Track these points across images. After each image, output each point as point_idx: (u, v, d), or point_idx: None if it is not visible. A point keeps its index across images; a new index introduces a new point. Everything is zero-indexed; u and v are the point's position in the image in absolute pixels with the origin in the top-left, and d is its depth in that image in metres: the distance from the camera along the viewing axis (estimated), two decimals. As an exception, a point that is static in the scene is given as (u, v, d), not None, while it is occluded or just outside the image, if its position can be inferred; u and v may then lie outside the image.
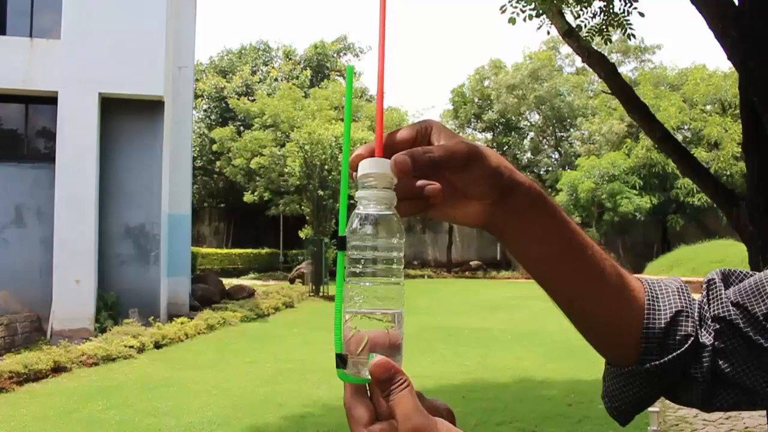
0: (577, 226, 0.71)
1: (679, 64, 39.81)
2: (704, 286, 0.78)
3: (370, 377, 0.55)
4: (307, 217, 21.70)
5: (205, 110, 31.53)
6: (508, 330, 12.73)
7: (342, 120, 23.74)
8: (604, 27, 6.82)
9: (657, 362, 0.73)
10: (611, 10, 6.76)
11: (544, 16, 6.53)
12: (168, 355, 10.13)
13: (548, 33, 7.26)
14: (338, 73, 32.97)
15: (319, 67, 32.92)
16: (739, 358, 0.73)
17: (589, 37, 6.80)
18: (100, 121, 11.72)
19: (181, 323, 11.83)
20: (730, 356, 0.73)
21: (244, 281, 21.17)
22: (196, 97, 26.21)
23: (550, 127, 33.82)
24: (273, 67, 33.29)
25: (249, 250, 28.50)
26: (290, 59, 33.61)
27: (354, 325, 0.57)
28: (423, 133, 0.64)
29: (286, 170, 23.19)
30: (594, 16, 6.83)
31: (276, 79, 31.70)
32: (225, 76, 32.73)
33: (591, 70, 7.71)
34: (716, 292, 0.77)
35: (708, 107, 28.26)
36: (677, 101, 27.28)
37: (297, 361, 9.71)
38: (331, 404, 7.06)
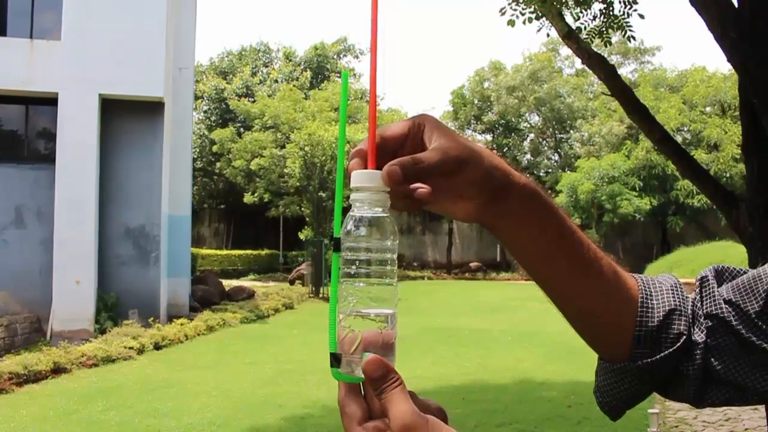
0: (574, 224, 0.72)
1: (679, 66, 39.91)
2: (697, 283, 0.79)
3: (362, 376, 0.56)
4: (307, 219, 21.70)
5: (205, 111, 31.54)
6: (507, 331, 12.72)
7: (342, 121, 23.77)
8: (604, 29, 6.83)
9: (649, 359, 0.73)
10: (611, 12, 6.77)
11: (544, 18, 6.54)
12: (168, 357, 10.13)
13: (548, 35, 7.27)
14: (338, 75, 32.97)
15: (319, 68, 32.93)
16: (731, 355, 0.73)
17: (589, 39, 6.81)
18: (100, 122, 11.73)
19: (181, 324, 11.83)
20: (722, 353, 0.74)
21: (244, 282, 21.17)
22: (196, 98, 26.21)
23: (550, 129, 33.82)
24: (273, 69, 33.31)
25: (249, 252, 28.49)
26: (290, 61, 33.63)
27: (348, 324, 0.57)
28: (415, 130, 0.64)
29: (286, 171, 23.20)
30: (594, 18, 6.84)
31: (276, 81, 31.71)
32: (225, 77, 32.75)
33: (591, 71, 7.72)
34: (709, 289, 0.77)
35: (708, 109, 28.27)
36: (677, 103, 27.29)
37: (297, 362, 9.71)
38: (330, 405, 7.05)
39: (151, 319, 11.52)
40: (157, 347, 10.54)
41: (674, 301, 0.75)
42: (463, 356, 10.15)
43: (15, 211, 11.65)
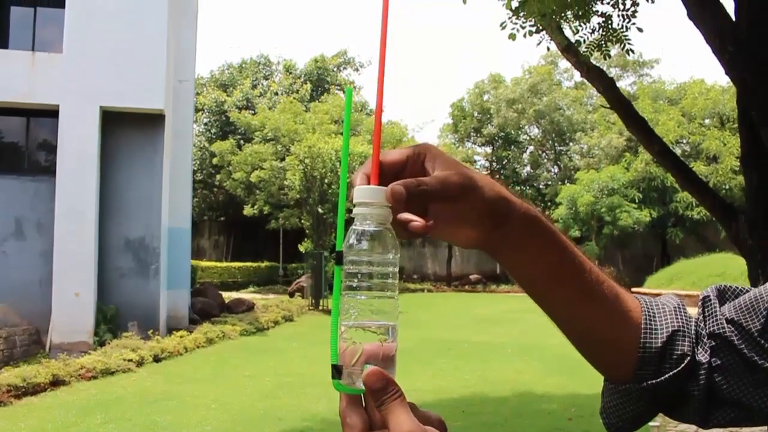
0: (575, 247, 0.72)
1: (678, 79, 40.03)
2: (700, 303, 0.79)
3: (362, 388, 0.56)
4: (307, 231, 21.71)
5: (205, 124, 31.63)
6: (507, 344, 12.69)
7: (342, 134, 23.80)
8: (602, 42, 6.87)
9: (653, 381, 0.73)
10: (610, 26, 6.82)
11: (544, 32, 6.58)
12: (167, 369, 10.10)
13: (548, 48, 7.32)
14: (338, 87, 33.11)
15: (320, 81, 33.05)
16: (734, 374, 0.73)
17: (588, 52, 6.85)
18: (101, 134, 11.76)
19: (181, 337, 11.80)
20: (726, 373, 0.74)
21: (244, 295, 21.13)
22: (197, 110, 26.29)
23: (550, 141, 33.91)
24: (273, 81, 33.42)
25: (248, 264, 28.47)
26: (290, 73, 33.75)
27: (349, 337, 0.58)
28: (415, 158, 0.65)
29: (285, 184, 23.22)
30: (593, 31, 6.88)
31: (276, 93, 31.82)
32: (225, 89, 32.86)
33: (590, 84, 7.76)
34: (711, 309, 0.77)
35: (707, 121, 28.36)
36: (676, 115, 27.39)
37: (296, 375, 9.68)
38: (330, 419, 7.03)
39: (151, 331, 11.49)
40: (157, 360, 10.51)
41: (677, 322, 0.75)
42: (462, 369, 10.12)
43: (15, 223, 11.65)
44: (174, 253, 13.38)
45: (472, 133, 34.72)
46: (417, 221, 0.61)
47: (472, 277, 31.06)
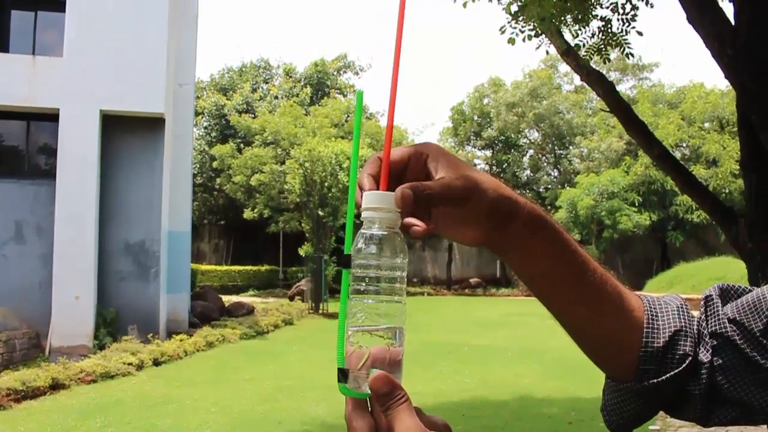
0: (579, 246, 0.73)
1: (677, 82, 40.08)
2: (702, 302, 0.79)
3: (368, 392, 0.57)
4: (307, 235, 21.68)
5: (205, 127, 31.64)
6: (507, 347, 12.69)
7: (342, 137, 23.82)
8: (602, 46, 6.88)
9: (655, 380, 0.74)
10: (609, 30, 6.83)
11: (543, 36, 6.60)
12: (167, 373, 10.09)
13: (547, 52, 7.33)
14: (338, 91, 33.11)
15: (320, 84, 33.07)
16: (736, 374, 0.74)
17: (587, 56, 6.86)
18: (101, 137, 11.77)
19: (180, 340, 11.79)
20: (728, 372, 0.74)
21: (244, 298, 21.11)
22: (197, 114, 26.29)
23: (550, 145, 33.93)
24: (273, 85, 33.44)
25: (248, 267, 28.45)
26: (290, 77, 33.77)
27: (356, 340, 0.58)
28: (417, 158, 0.65)
29: (285, 187, 23.23)
30: (592, 35, 6.90)
31: (276, 97, 31.83)
32: (225, 93, 32.87)
33: (590, 88, 7.77)
34: (714, 308, 0.78)
35: (706, 125, 28.39)
36: (675, 119, 27.42)
37: (296, 378, 9.67)
38: (330, 422, 7.02)
39: (151, 334, 11.48)
40: (156, 363, 10.50)
41: (680, 322, 0.76)
42: (463, 372, 10.11)
43: (15, 227, 11.66)
44: (174, 256, 13.38)
45: (472, 137, 34.73)
46: (419, 226, 0.62)
47: (472, 280, 31.04)
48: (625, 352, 0.75)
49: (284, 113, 26.64)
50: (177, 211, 13.89)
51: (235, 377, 9.78)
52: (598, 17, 6.80)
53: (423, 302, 24.16)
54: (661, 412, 0.79)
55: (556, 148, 33.91)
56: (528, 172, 34.81)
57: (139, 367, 10.03)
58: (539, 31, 6.38)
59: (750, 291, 0.78)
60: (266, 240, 29.62)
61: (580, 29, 6.76)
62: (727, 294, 0.80)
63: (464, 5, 6.66)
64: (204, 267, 26.58)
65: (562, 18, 6.40)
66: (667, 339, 0.74)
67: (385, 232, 0.60)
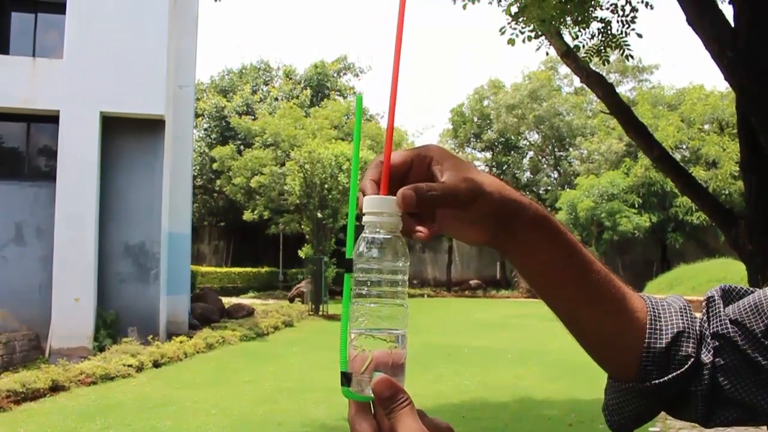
0: (582, 246, 0.73)
1: (677, 84, 40.08)
2: (704, 303, 0.80)
3: (371, 395, 0.57)
4: (307, 236, 21.69)
5: (205, 129, 31.65)
6: (507, 349, 12.68)
7: (342, 139, 23.82)
8: (602, 47, 6.89)
9: (657, 381, 0.74)
10: (609, 31, 6.84)
11: (543, 37, 6.60)
12: (167, 374, 10.09)
13: (547, 53, 7.33)
14: (338, 93, 33.13)
15: (319, 86, 33.09)
16: (738, 375, 0.74)
17: (587, 58, 6.87)
18: (101, 139, 11.77)
19: (180, 342, 11.78)
20: (730, 373, 0.74)
21: (244, 300, 21.11)
22: (197, 116, 26.30)
23: (549, 147, 33.94)
24: (273, 87, 33.46)
25: (248, 269, 28.44)
26: (290, 79, 33.79)
27: (359, 344, 0.59)
28: (420, 161, 0.65)
29: (285, 189, 23.24)
30: (592, 36, 6.91)
31: (276, 99, 31.85)
32: (225, 95, 32.89)
33: (590, 90, 7.78)
34: (715, 309, 0.78)
35: (706, 126, 28.39)
36: (675, 121, 27.41)
37: (296, 380, 9.67)
38: (330, 424, 7.02)
39: (150, 336, 11.48)
40: (156, 365, 10.49)
41: (682, 323, 0.76)
42: (462, 374, 10.10)
43: (15, 228, 11.66)
44: (174, 258, 13.38)
45: (471, 139, 34.75)
46: (422, 232, 0.62)
47: (472, 282, 31.04)
48: (627, 352, 0.76)
49: (284, 115, 26.66)
50: (177, 212, 13.89)
51: (234, 379, 9.78)
52: (598, 19, 6.81)
53: (423, 304, 24.15)
54: (662, 414, 0.79)
55: (556, 149, 33.93)
56: (528, 173, 34.82)
57: (139, 368, 10.03)
58: (539, 33, 6.39)
59: (752, 292, 0.78)
60: (266, 242, 29.61)
61: (580, 31, 6.77)
62: (729, 295, 0.80)
63: (464, 7, 6.67)
64: (204, 269, 26.58)
65: (562, 20, 6.41)
66: (669, 340, 0.75)
67: (387, 236, 0.60)
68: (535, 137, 34.73)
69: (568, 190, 29.67)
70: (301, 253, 21.60)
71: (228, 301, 18.53)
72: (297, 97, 31.32)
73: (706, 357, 0.75)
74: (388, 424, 0.56)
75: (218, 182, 29.38)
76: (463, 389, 9.01)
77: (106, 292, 11.79)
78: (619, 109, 6.44)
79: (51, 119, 11.64)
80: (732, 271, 18.77)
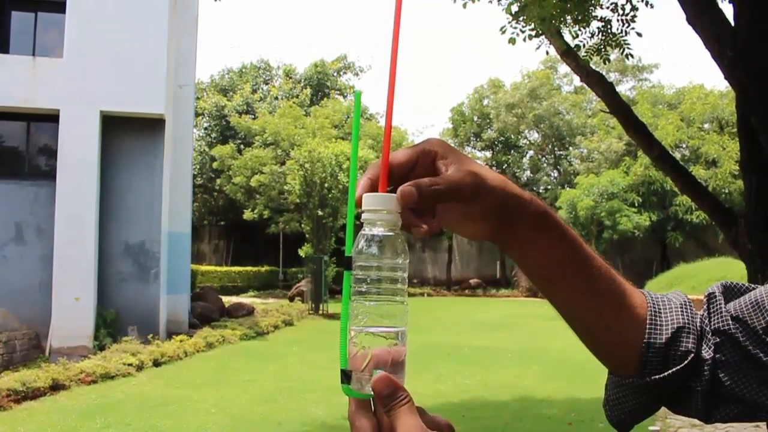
0: (584, 243, 0.73)
1: (677, 83, 40.08)
2: (705, 299, 0.80)
3: (371, 393, 0.57)
4: (307, 235, 21.69)
5: (205, 128, 31.65)
6: (507, 348, 12.69)
7: (342, 138, 23.81)
8: (602, 46, 6.89)
9: (657, 376, 0.74)
10: (609, 30, 6.83)
11: (543, 36, 6.60)
12: (167, 373, 10.10)
13: (547, 52, 7.33)
14: (338, 92, 33.13)
15: (319, 85, 33.09)
16: (738, 371, 0.74)
17: (587, 57, 6.86)
18: (101, 139, 11.77)
19: (180, 341, 11.79)
20: (730, 369, 0.74)
21: (244, 299, 21.12)
22: (197, 115, 26.31)
23: (549, 146, 33.94)
24: (273, 86, 33.46)
25: (248, 268, 28.46)
26: (290, 78, 33.79)
27: (359, 342, 0.59)
28: (424, 157, 0.65)
29: (285, 188, 23.24)
30: (592, 35, 6.90)
31: (276, 98, 31.85)
32: (225, 94, 32.89)
33: (589, 89, 7.77)
34: (716, 305, 0.78)
35: (706, 125, 28.38)
36: (675, 120, 27.40)
37: (296, 379, 9.67)
38: (330, 423, 7.03)
39: (151, 335, 11.48)
40: (156, 364, 10.50)
41: (683, 318, 0.76)
42: (462, 373, 10.11)
43: (15, 228, 11.66)
44: (174, 257, 13.38)
45: (471, 138, 34.75)
46: (422, 227, 0.62)
47: (472, 281, 31.04)
48: (627, 347, 0.76)
49: (284, 114, 26.65)
50: (177, 211, 13.89)
51: (235, 378, 9.79)
52: (598, 18, 6.81)
53: (423, 303, 24.16)
54: (662, 413, 0.79)
55: (555, 148, 33.93)
56: (528, 172, 34.82)
57: (139, 367, 10.03)
58: (539, 32, 6.38)
59: (753, 289, 0.79)
60: (266, 241, 29.62)
61: (580, 30, 6.77)
62: (731, 292, 0.80)
63: (464, 6, 6.67)
64: (204, 268, 26.59)
65: (562, 18, 6.41)
66: (669, 335, 0.75)
67: (386, 233, 0.60)
68: (535, 136, 34.73)
69: (567, 189, 29.66)
70: (301, 252, 21.59)
71: (228, 300, 18.54)
72: (297, 96, 31.33)
73: (707, 353, 0.75)
74: (388, 421, 0.57)
75: (218, 181, 29.38)
76: (463, 388, 9.01)
77: (106, 291, 11.79)
78: (619, 108, 6.44)
79: (51, 118, 11.64)
80: (732, 270, 18.76)
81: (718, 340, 0.76)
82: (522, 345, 13.08)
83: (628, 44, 6.79)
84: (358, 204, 0.61)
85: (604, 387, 0.82)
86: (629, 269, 27.97)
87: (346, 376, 0.58)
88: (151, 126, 12.29)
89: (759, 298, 0.75)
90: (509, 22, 6.39)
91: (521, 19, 6.26)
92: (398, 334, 0.59)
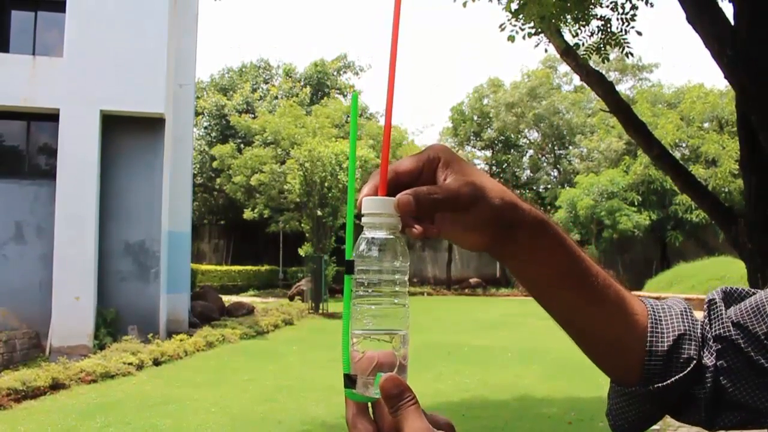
0: (582, 252, 0.73)
1: (676, 82, 40.08)
2: (705, 306, 0.80)
3: (376, 396, 0.58)
4: (307, 235, 21.69)
5: (205, 127, 31.65)
6: (507, 348, 12.69)
7: (343, 137, 23.80)
8: (601, 45, 6.89)
9: (659, 385, 0.74)
10: (609, 29, 6.83)
11: (543, 34, 6.60)
12: (167, 373, 10.10)
13: (546, 51, 7.33)
14: (338, 91, 33.12)
15: (319, 85, 33.09)
16: (741, 377, 0.74)
17: (587, 56, 6.86)
18: (101, 138, 11.77)
19: (180, 340, 11.79)
20: (732, 376, 0.74)
21: (244, 298, 21.11)
22: (197, 114, 26.30)
23: (549, 145, 33.94)
24: (273, 85, 33.45)
25: (248, 267, 28.46)
26: (290, 77, 33.79)
27: (361, 345, 0.59)
28: (429, 165, 0.65)
29: (285, 187, 23.24)
30: (592, 34, 6.90)
31: (276, 97, 31.85)
32: (225, 93, 32.88)
33: (589, 88, 7.77)
34: (717, 311, 0.78)
35: (705, 125, 28.38)
36: (674, 119, 27.41)
37: (296, 378, 9.68)
38: (330, 422, 7.03)
39: (151, 334, 11.48)
40: (157, 363, 10.50)
41: (684, 325, 0.76)
42: (462, 373, 10.11)
43: (15, 227, 11.66)
44: (174, 256, 13.38)
45: (471, 137, 34.75)
46: (416, 228, 0.62)
47: (472, 280, 31.05)
48: (628, 356, 0.75)
49: (284, 113, 26.65)
50: (177, 211, 13.89)
51: (235, 377, 9.79)
52: (598, 16, 6.81)
53: (423, 302, 24.16)
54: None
55: (555, 148, 33.92)
56: (528, 172, 34.83)
57: (139, 367, 10.04)
58: (539, 30, 6.38)
59: (753, 294, 0.78)
60: (266, 240, 29.62)
61: (579, 28, 6.76)
62: (731, 297, 0.80)
63: (464, 5, 6.67)
64: (204, 267, 26.59)
65: (562, 17, 6.41)
66: (671, 343, 0.74)
67: (386, 236, 0.60)
68: (534, 135, 34.73)
69: (567, 188, 29.66)
70: (301, 252, 21.60)
71: (228, 299, 18.54)
72: (297, 95, 31.32)
73: (709, 360, 0.75)
74: (390, 423, 0.57)
75: (218, 181, 29.38)
76: (463, 388, 9.01)
77: (107, 290, 11.79)
78: (619, 107, 6.44)
79: (51, 118, 11.64)
80: (732, 269, 18.77)
81: (719, 346, 0.76)
82: (522, 344, 13.08)
83: (628, 43, 6.79)
84: (359, 208, 0.62)
85: (606, 392, 0.82)
86: (629, 268, 28.00)
87: (350, 380, 0.58)
88: (151, 125, 12.29)
89: (759, 303, 0.75)
90: (509, 20, 6.38)
91: (521, 17, 6.25)
92: (400, 337, 0.59)
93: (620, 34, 6.79)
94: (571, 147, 33.05)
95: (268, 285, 27.77)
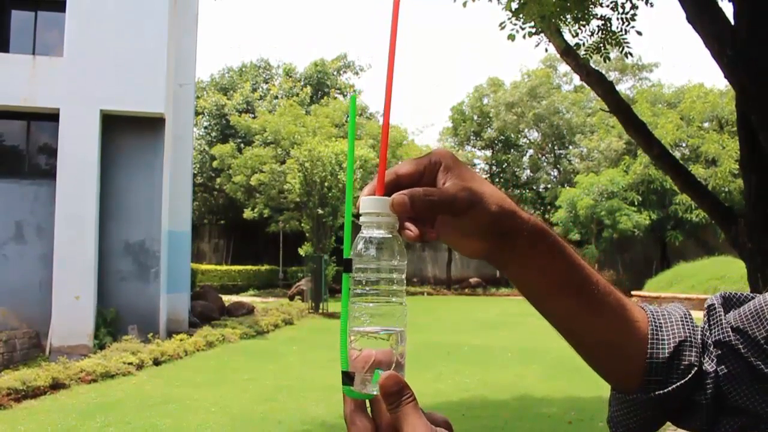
0: (582, 259, 0.73)
1: (676, 82, 40.08)
2: (705, 311, 0.80)
3: (374, 393, 0.58)
4: (307, 234, 21.70)
5: (205, 127, 31.65)
6: (507, 347, 12.69)
7: (343, 137, 23.80)
8: (601, 45, 6.88)
9: (661, 391, 0.74)
10: (609, 29, 6.83)
11: (543, 34, 6.59)
12: (167, 372, 10.10)
13: (546, 50, 7.32)
14: (338, 91, 33.13)
15: (319, 84, 33.09)
16: (741, 383, 0.74)
17: (587, 56, 6.86)
18: (101, 137, 11.77)
19: (180, 340, 11.79)
20: (733, 381, 0.74)
21: (244, 298, 21.12)
22: (197, 114, 26.31)
23: (549, 145, 33.94)
24: (273, 85, 33.45)
25: (248, 267, 28.47)
26: (290, 77, 33.79)
27: (359, 343, 0.59)
28: (431, 169, 0.65)
29: (285, 187, 23.24)
30: (592, 34, 6.90)
31: (276, 97, 31.85)
32: (226, 93, 32.89)
33: (589, 88, 7.77)
34: (716, 317, 0.78)
35: (705, 124, 28.38)
36: (674, 118, 27.41)
37: (296, 378, 9.68)
38: (330, 422, 7.03)
39: (151, 334, 11.48)
40: (157, 363, 10.50)
41: (684, 332, 0.76)
42: (462, 372, 10.11)
43: (15, 227, 11.66)
44: (174, 256, 13.38)
45: (471, 137, 34.76)
46: (413, 230, 0.62)
47: (472, 280, 31.06)
48: (629, 363, 0.75)
49: (284, 113, 26.66)
50: (177, 210, 13.89)
51: (235, 377, 9.79)
52: (598, 16, 6.80)
53: (423, 302, 24.16)
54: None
55: (555, 147, 33.92)
56: (528, 171, 34.83)
57: (139, 366, 10.04)
58: (539, 29, 6.38)
59: (752, 298, 0.78)
60: (266, 240, 29.63)
61: (579, 28, 6.76)
62: (730, 302, 0.80)
63: (464, 4, 6.66)
64: (204, 267, 26.60)
65: (562, 16, 6.41)
66: (672, 350, 0.74)
67: (384, 235, 0.61)
68: (534, 135, 34.73)
69: (567, 188, 29.66)
70: (301, 251, 21.60)
71: (228, 299, 18.55)
72: (297, 95, 31.33)
73: (709, 365, 0.75)
74: (388, 420, 0.57)
75: (218, 180, 29.39)
76: (463, 387, 9.01)
77: (107, 290, 11.79)
78: (619, 107, 6.44)
79: (51, 117, 11.63)
80: (731, 269, 18.77)
81: (719, 352, 0.75)
82: (522, 344, 13.08)
83: (628, 43, 6.79)
84: (358, 207, 0.62)
85: (606, 392, 0.82)
86: (629, 268, 28.01)
87: (348, 378, 0.59)
88: (151, 125, 12.29)
89: (759, 307, 0.75)
90: (509, 19, 6.38)
91: (521, 16, 6.25)
92: (398, 335, 0.60)
93: (620, 33, 6.78)
94: (571, 147, 33.04)
95: (268, 285, 27.78)
